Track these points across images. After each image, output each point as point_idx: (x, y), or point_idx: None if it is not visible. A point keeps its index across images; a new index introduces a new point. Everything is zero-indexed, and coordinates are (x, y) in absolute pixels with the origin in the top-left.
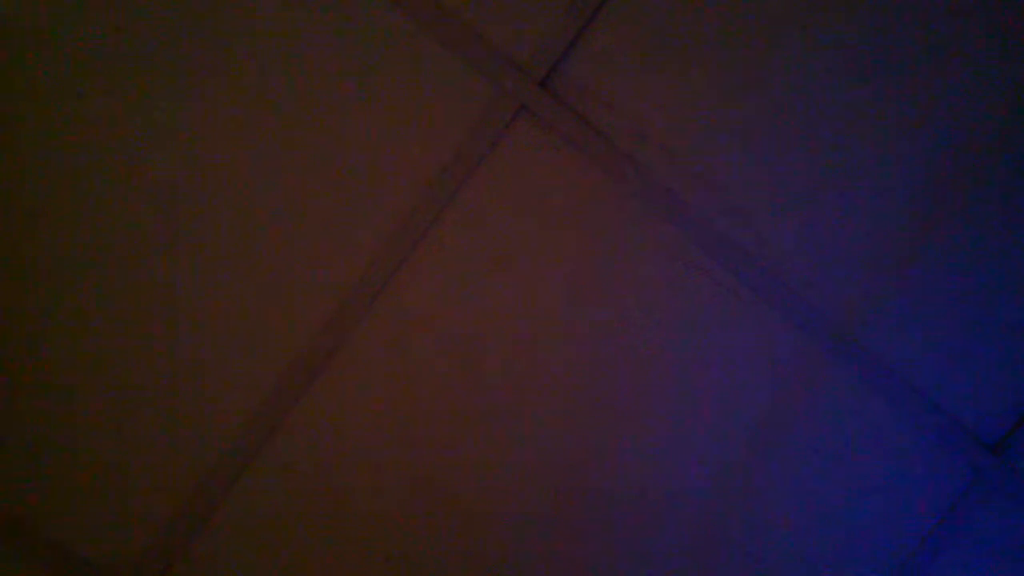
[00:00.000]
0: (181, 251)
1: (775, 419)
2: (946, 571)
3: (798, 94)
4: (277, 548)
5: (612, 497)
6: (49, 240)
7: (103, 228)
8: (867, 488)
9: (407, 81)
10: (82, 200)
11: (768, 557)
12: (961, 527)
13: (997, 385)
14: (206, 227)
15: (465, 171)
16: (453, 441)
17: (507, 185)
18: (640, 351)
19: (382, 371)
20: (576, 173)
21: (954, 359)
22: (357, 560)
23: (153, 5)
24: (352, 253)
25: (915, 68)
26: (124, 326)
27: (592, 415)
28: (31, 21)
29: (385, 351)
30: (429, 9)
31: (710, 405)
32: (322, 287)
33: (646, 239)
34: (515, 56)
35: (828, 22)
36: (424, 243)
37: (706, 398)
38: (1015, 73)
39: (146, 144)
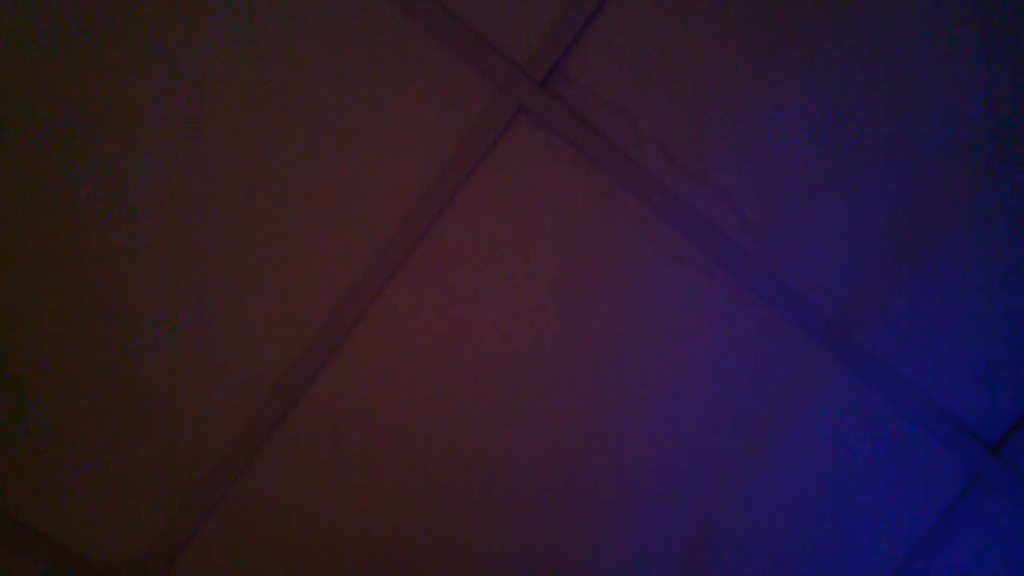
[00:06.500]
0: (180, 251)
1: (774, 419)
2: (946, 571)
3: (799, 94)
4: (277, 548)
5: (610, 496)
6: (48, 238)
7: (102, 226)
8: (866, 488)
9: (406, 80)
10: (81, 197)
11: (766, 557)
12: (961, 527)
13: (997, 385)
14: (205, 226)
15: (464, 171)
16: (451, 441)
17: (507, 185)
18: (638, 351)
19: (381, 371)
20: (576, 173)
21: (954, 359)
22: (357, 560)
23: (150, 1)
24: (351, 254)
25: (917, 67)
26: (123, 325)
27: (590, 415)
28: (27, 19)
29: (384, 351)
30: (429, 8)
31: (709, 405)
32: (321, 287)
33: (645, 239)
34: (515, 56)
35: (829, 22)
36: (423, 244)
37: (705, 398)
38: (1017, 72)
39: (143, 142)
